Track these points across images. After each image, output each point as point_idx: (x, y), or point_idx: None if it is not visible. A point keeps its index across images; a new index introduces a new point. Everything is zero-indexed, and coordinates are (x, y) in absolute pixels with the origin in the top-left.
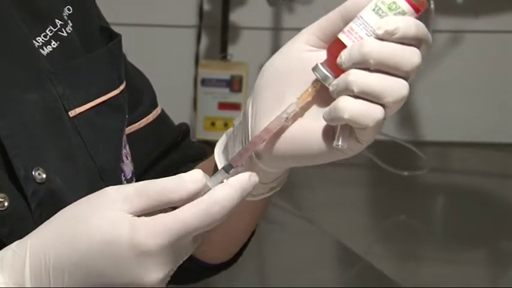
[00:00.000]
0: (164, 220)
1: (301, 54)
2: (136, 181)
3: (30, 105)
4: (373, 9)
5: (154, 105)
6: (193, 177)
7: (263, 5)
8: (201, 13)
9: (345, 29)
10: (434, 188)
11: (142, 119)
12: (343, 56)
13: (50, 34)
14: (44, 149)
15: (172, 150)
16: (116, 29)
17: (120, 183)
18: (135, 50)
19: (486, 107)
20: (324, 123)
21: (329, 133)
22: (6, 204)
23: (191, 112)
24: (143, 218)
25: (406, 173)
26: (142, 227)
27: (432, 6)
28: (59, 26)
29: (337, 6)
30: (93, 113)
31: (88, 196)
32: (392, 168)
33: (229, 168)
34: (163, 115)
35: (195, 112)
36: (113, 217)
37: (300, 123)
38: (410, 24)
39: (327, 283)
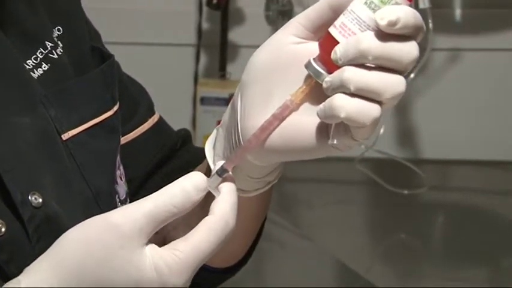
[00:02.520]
0: (187, 256)
1: (289, 47)
2: (135, 191)
3: (22, 129)
4: (365, 3)
5: (151, 113)
6: (198, 187)
7: (262, 24)
8: (199, 32)
9: (336, 24)
10: (434, 206)
11: (137, 127)
12: (339, 53)
13: (41, 56)
14: (38, 173)
15: (172, 157)
16: (115, 47)
17: (115, 204)
18: (134, 68)
19: (485, 125)
20: (316, 118)
21: (323, 129)
22: (3, 230)
23: (190, 130)
24: (164, 255)
25: (405, 192)
26: (168, 268)
27: (431, 25)
28: (49, 48)
29: None
30: (86, 136)
31: (97, 233)
32: (392, 186)
33: (224, 172)
34: (160, 122)
35: (194, 130)
36: (136, 260)
37: (292, 118)
38: (409, 14)
39: None
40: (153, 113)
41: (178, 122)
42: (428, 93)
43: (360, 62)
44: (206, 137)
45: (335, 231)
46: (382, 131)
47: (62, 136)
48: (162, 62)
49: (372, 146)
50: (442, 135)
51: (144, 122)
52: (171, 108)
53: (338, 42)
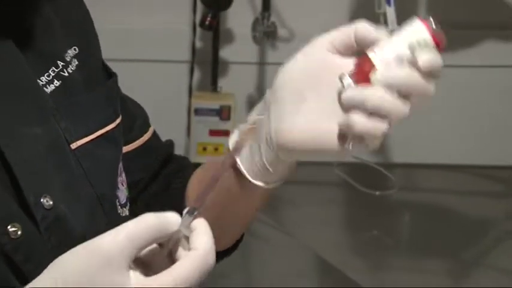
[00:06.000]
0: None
1: (324, 56)
2: (142, 190)
3: (36, 139)
4: (404, 40)
5: (146, 128)
6: (176, 222)
7: (249, 43)
8: (193, 50)
9: (376, 50)
10: (403, 206)
11: (136, 140)
12: (379, 77)
13: (53, 74)
14: (49, 178)
15: (168, 162)
16: (118, 64)
17: (116, 208)
18: (136, 83)
19: (449, 132)
20: (336, 125)
21: (344, 137)
22: (19, 233)
23: (185, 138)
24: (148, 286)
25: (377, 193)
26: None
27: None
28: (60, 67)
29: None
30: (92, 145)
31: (86, 251)
32: (365, 188)
33: (194, 211)
34: (155, 135)
35: (188, 138)
36: (118, 279)
37: (316, 123)
38: (439, 62)
39: None
40: (149, 128)
41: (174, 131)
42: None
43: (392, 90)
44: (200, 144)
45: (315, 229)
46: None
47: (71, 145)
48: (160, 77)
49: None
50: (410, 142)
51: (142, 136)
52: (168, 118)
53: (373, 66)
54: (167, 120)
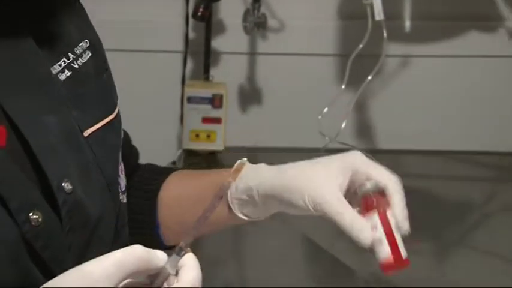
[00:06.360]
0: None
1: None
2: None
3: (51, 126)
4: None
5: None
6: (164, 258)
7: (240, 33)
8: (186, 40)
9: (377, 209)
10: None
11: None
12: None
13: (64, 65)
14: (67, 164)
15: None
16: (114, 54)
17: (118, 195)
18: (130, 72)
19: (430, 120)
20: None
21: None
22: (40, 220)
23: (178, 126)
24: None
25: None
26: None
27: (385, 34)
28: (71, 59)
29: (302, 38)
30: (100, 133)
31: (74, 275)
32: None
33: (181, 251)
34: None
35: (181, 126)
36: None
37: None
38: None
39: (297, 274)
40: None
41: (168, 118)
42: (383, 93)
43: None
44: (193, 131)
45: None
46: (344, 124)
47: (84, 133)
48: (154, 67)
49: (335, 138)
50: (395, 129)
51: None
52: (162, 106)
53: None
54: (161, 108)
